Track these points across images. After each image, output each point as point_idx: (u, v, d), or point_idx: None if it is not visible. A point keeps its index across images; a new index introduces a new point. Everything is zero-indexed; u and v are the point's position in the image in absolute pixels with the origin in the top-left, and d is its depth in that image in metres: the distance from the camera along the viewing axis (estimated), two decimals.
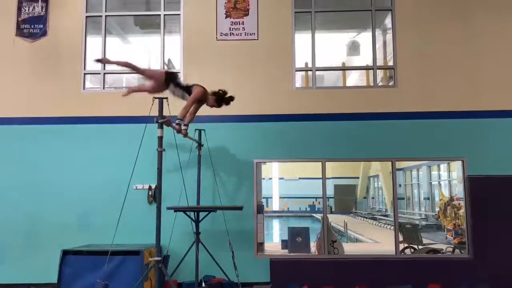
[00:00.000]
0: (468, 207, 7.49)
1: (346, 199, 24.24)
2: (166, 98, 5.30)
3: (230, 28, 8.15)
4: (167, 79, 5.76)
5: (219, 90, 5.83)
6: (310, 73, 8.35)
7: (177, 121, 5.47)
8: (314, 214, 22.65)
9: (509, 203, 7.26)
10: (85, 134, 7.98)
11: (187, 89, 5.75)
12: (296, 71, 8.16)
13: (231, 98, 5.87)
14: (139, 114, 6.71)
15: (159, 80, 5.74)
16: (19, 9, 8.39)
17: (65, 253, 6.74)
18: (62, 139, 7.98)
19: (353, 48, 11.27)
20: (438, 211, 12.27)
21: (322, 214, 8.39)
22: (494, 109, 7.78)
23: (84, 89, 8.25)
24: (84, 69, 8.29)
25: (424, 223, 15.32)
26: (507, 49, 7.90)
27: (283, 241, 8.85)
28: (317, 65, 8.24)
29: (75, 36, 8.31)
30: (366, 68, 9.14)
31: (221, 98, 5.80)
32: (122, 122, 7.90)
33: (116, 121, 7.98)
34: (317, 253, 7.92)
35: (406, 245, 9.24)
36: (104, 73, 8.37)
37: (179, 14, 8.29)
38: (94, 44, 8.49)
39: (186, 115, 5.57)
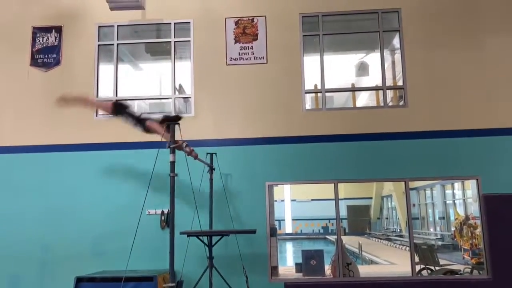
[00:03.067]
0: (484, 226, 7.36)
1: (359, 220, 23.95)
2: (178, 123, 5.34)
3: (239, 52, 8.26)
4: (116, 111, 6.52)
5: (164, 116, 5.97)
6: (320, 94, 8.39)
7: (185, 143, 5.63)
8: (327, 236, 22.40)
9: None
10: (98, 161, 8.06)
11: (140, 121, 6.36)
12: (306, 93, 8.21)
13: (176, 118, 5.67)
14: (151, 139, 6.78)
15: (109, 110, 6.69)
16: (33, 39, 8.62)
17: (79, 280, 6.73)
18: (75, 166, 8.07)
19: (362, 69, 11.31)
20: (454, 230, 12.04)
21: (335, 236, 8.29)
22: (507, 127, 7.72)
23: (96, 116, 8.37)
24: (97, 97, 8.42)
25: (440, 243, 15.04)
26: None
27: (297, 264, 8.74)
28: (327, 86, 8.29)
29: (87, 65, 8.49)
30: (376, 88, 9.15)
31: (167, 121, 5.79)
32: (134, 147, 7.96)
33: (128, 146, 8.05)
34: (332, 276, 7.80)
35: (422, 266, 9.07)
36: (117, 100, 8.48)
37: (189, 41, 8.43)
38: (106, 72, 8.65)
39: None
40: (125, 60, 9.96)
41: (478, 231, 7.68)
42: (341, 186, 8.10)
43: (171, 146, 5.09)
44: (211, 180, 7.51)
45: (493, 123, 7.75)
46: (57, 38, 8.61)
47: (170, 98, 8.47)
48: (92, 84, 8.42)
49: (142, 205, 5.42)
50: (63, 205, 7.92)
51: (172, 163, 5.10)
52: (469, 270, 8.69)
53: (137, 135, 7.91)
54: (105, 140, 8.15)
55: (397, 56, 8.69)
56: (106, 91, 8.59)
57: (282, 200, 24.48)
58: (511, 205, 7.22)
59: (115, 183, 7.93)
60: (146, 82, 10.95)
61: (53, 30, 8.62)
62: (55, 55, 8.55)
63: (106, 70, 8.69)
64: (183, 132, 5.62)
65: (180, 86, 9.07)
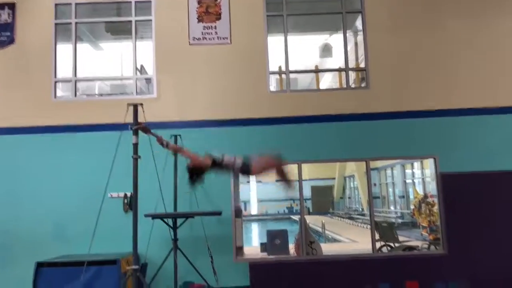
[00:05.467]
0: (441, 203, 7.64)
1: (323, 200, 24.43)
2: (141, 104, 5.23)
3: (202, 32, 8.14)
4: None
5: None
6: (284, 76, 8.40)
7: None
8: (292, 216, 22.74)
9: (481, 199, 7.44)
10: (58, 143, 7.83)
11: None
12: (270, 74, 8.20)
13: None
14: (114, 121, 6.63)
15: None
16: None
17: (40, 265, 6.58)
18: (34, 149, 7.80)
19: (326, 50, 11.38)
20: (413, 208, 12.49)
21: (299, 216, 8.43)
22: (464, 107, 7.99)
23: (55, 97, 8.09)
24: (55, 77, 8.13)
25: (400, 221, 15.57)
26: (475, 50, 8.13)
27: (262, 244, 8.85)
28: (291, 68, 8.31)
29: (44, 44, 8.16)
30: (338, 70, 9.26)
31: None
32: (96, 129, 7.77)
33: (90, 129, 7.85)
34: (295, 254, 7.95)
35: (383, 243, 9.37)
36: (76, 81, 8.22)
37: (151, 20, 8.23)
38: (64, 51, 8.34)
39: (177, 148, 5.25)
40: (84, 39, 9.64)
41: (436, 208, 7.98)
42: (305, 167, 8.20)
43: (133, 128, 4.99)
44: (175, 162, 7.44)
45: (450, 104, 7.99)
46: (11, 15, 8.21)
47: (131, 79, 8.28)
48: (49, 64, 8.11)
49: (105, 188, 5.32)
50: (23, 189, 7.68)
51: (135, 145, 5.01)
52: (426, 246, 9.05)
53: (98, 116, 7.78)
54: (65, 122, 7.91)
55: (360, 38, 8.78)
56: (64, 72, 8.30)
57: (248, 182, 24.60)
58: (466, 183, 7.50)
59: (76, 166, 7.74)
60: (107, 63, 10.64)
61: (6, 7, 8.20)
62: (8, 33, 8.16)
63: (64, 49, 8.38)
64: (146, 114, 5.54)
65: (142, 66, 8.87)
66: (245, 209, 23.70)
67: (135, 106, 5.12)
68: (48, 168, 7.74)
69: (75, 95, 8.24)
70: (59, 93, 8.45)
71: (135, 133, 5.01)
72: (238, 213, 8.00)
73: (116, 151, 5.24)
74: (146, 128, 5.12)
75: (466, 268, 7.17)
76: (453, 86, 8.05)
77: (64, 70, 8.34)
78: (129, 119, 5.31)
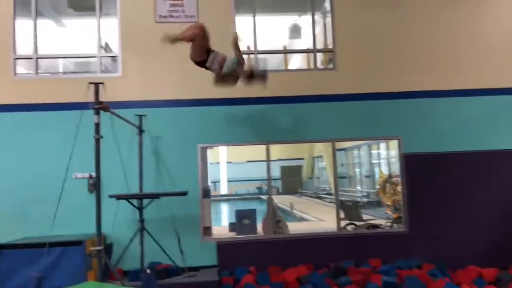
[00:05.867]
0: (404, 183, 7.87)
1: (292, 180, 24.71)
2: (102, 83, 5.12)
3: (169, 10, 7.97)
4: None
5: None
6: (253, 56, 8.35)
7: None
8: (261, 196, 22.93)
9: (442, 179, 7.71)
10: (19, 122, 7.59)
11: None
12: None
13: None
14: (77, 100, 6.47)
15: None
16: None
17: (1, 247, 6.44)
18: None
19: (295, 31, 11.37)
20: (378, 188, 12.80)
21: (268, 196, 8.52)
22: (428, 89, 8.16)
23: (15, 75, 7.81)
24: (15, 54, 7.83)
25: (365, 200, 15.96)
26: (441, 32, 8.27)
27: (231, 224, 8.94)
28: (260, 48, 8.26)
29: (2, 19, 7.81)
30: (306, 51, 9.27)
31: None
32: (58, 109, 7.56)
33: (52, 107, 7.63)
34: (263, 233, 8.06)
35: (347, 222, 9.61)
36: (37, 58, 7.94)
37: None
38: (24, 27, 8.01)
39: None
40: (46, 15, 9.28)
41: (400, 188, 8.21)
42: (275, 148, 8.27)
43: (94, 107, 4.88)
44: (140, 142, 7.35)
45: (415, 86, 8.15)
46: None
47: (96, 57, 8.06)
48: (8, 40, 7.79)
49: (66, 169, 5.22)
50: None
51: (97, 125, 4.91)
52: (389, 224, 9.33)
53: (61, 95, 7.57)
54: (26, 100, 7.65)
55: (329, 20, 8.79)
56: (24, 49, 8.00)
57: (218, 163, 24.60)
58: (428, 164, 7.75)
59: (39, 146, 7.54)
60: (71, 40, 10.30)
61: None
62: None
63: (24, 25, 8.05)
64: (110, 93, 5.42)
65: (107, 44, 8.64)
66: (215, 190, 23.73)
67: (96, 85, 5.00)
68: (8, 147, 7.51)
69: (37, 73, 7.97)
70: (20, 70, 8.16)
71: (97, 112, 4.91)
72: (206, 193, 8.02)
73: (77, 131, 5.13)
74: (108, 107, 5.02)
75: (426, 245, 7.46)
76: (418, 69, 8.19)
77: (24, 47, 8.03)
78: (91, 98, 5.18)
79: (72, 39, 10.13)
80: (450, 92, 8.18)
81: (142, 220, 6.67)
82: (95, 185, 5.03)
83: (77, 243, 6.50)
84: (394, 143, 8.69)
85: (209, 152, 9.01)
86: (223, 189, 25.56)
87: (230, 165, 25.59)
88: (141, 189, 7.28)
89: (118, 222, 6.74)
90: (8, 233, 7.01)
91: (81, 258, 6.35)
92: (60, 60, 10.39)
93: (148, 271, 5.19)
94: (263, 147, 8.10)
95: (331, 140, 8.13)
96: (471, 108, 8.17)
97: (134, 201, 6.66)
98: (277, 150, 18.11)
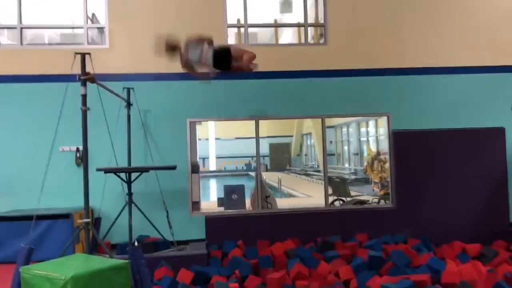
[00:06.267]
0: (392, 160, 7.92)
1: (281, 157, 24.81)
2: (89, 53, 4.99)
3: None
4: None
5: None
6: (242, 30, 8.23)
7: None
8: (250, 173, 23.01)
9: (430, 156, 7.76)
10: (4, 94, 7.44)
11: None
12: (228, 27, 8.01)
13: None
14: (63, 72, 6.31)
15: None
16: None
17: None
18: None
19: (286, 5, 11.21)
20: (366, 165, 12.92)
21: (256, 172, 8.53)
22: (419, 66, 8.16)
23: None
24: None
25: (353, 177, 16.09)
26: (433, 9, 8.22)
27: (219, 199, 8.96)
28: (250, 21, 8.13)
29: None
30: (297, 25, 9.16)
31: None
32: (43, 80, 7.42)
33: (38, 79, 7.48)
34: (251, 209, 8.10)
35: (335, 197, 9.70)
36: (22, 28, 7.73)
37: None
38: None
39: None
40: None
41: (387, 165, 8.27)
42: (264, 124, 8.23)
43: (81, 78, 4.77)
44: (128, 116, 7.26)
45: (405, 63, 8.14)
46: None
47: (82, 27, 7.87)
48: None
49: (52, 142, 5.13)
50: None
51: (84, 96, 4.81)
52: (376, 201, 9.44)
53: (46, 67, 7.41)
54: (10, 71, 7.48)
55: None
56: (8, 19, 7.77)
57: (207, 139, 24.53)
58: (417, 140, 7.79)
59: (24, 118, 7.42)
60: (56, 10, 10.03)
61: None
62: None
63: None
64: (97, 65, 5.29)
65: (94, 15, 8.43)
66: (204, 166, 23.73)
67: (83, 55, 4.88)
68: None
69: (21, 43, 7.77)
70: (4, 40, 7.95)
71: (83, 83, 4.80)
72: (195, 168, 8.00)
73: (63, 103, 5.02)
74: (94, 78, 4.91)
75: (412, 221, 7.56)
76: (408, 46, 8.17)
77: (7, 17, 7.80)
78: (77, 69, 5.06)
79: (58, 10, 9.87)
80: (441, 69, 8.20)
81: (130, 194, 6.64)
82: (82, 158, 4.96)
83: (65, 216, 6.49)
84: (383, 121, 8.71)
85: (197, 128, 8.95)
86: (212, 165, 25.58)
87: (218, 141, 25.55)
88: (129, 163, 7.23)
89: (106, 196, 6.69)
90: None
91: (69, 231, 6.34)
92: (46, 32, 10.15)
93: (136, 244, 5.20)
94: (252, 124, 8.06)
95: (321, 116, 8.11)
96: (460, 86, 8.21)
97: (123, 175, 6.61)
98: (265, 127, 18.07)
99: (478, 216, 7.65)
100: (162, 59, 6.57)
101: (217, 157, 25.82)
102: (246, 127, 8.73)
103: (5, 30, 7.86)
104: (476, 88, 8.23)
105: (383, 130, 13.57)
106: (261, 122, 8.01)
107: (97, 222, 6.43)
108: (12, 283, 3.86)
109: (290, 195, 13.63)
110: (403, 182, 7.78)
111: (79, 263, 3.70)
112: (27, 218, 6.03)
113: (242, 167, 25.89)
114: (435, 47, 8.17)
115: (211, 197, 15.27)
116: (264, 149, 22.80)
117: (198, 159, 8.87)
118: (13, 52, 7.60)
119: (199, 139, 9.16)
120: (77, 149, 7.39)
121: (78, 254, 4.75)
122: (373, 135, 16.53)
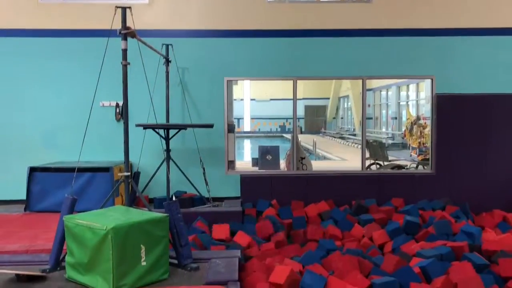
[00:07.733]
0: (434, 124, 7.66)
1: (316, 119, 24.57)
2: (130, 7, 4.94)
3: None
4: None
5: None
6: None
7: None
8: (284, 135, 22.97)
9: (473, 121, 7.45)
10: (44, 48, 7.55)
11: None
12: None
13: None
14: (102, 27, 6.32)
15: None
16: None
17: (33, 170, 6.66)
18: (18, 52, 7.51)
19: None
20: (405, 130, 12.60)
21: (292, 134, 8.46)
22: (465, 27, 7.72)
23: None
24: None
25: (390, 142, 15.80)
26: None
27: (253, 159, 8.98)
28: None
29: None
30: None
31: None
32: (85, 35, 7.46)
33: (79, 34, 7.53)
34: (286, 169, 8.09)
35: (372, 161, 9.54)
36: None
37: None
38: None
39: None
40: None
41: (427, 130, 8.01)
42: (300, 86, 8.07)
43: (122, 32, 4.75)
44: (167, 72, 7.26)
45: (450, 23, 7.71)
46: None
47: None
48: None
49: (93, 96, 5.19)
50: (11, 96, 7.53)
51: (124, 51, 4.80)
52: (414, 165, 9.24)
53: (86, 21, 7.45)
54: (51, 26, 7.56)
55: None
56: None
57: (242, 100, 24.51)
58: (459, 105, 7.48)
59: (65, 72, 7.54)
60: None
61: None
62: None
63: None
64: (136, 21, 5.24)
65: None
66: (238, 126, 23.82)
67: (124, 9, 4.83)
68: (34, 73, 7.53)
69: None
70: None
71: (124, 38, 4.77)
72: (231, 128, 8.01)
73: (104, 58, 5.02)
74: (135, 33, 4.87)
75: (451, 188, 7.37)
76: (454, 5, 7.73)
77: None
78: (117, 25, 5.03)
79: None
80: (488, 30, 7.74)
81: (168, 150, 6.73)
82: (122, 113, 5.01)
83: (105, 169, 6.65)
84: (424, 85, 8.38)
85: (233, 88, 8.89)
86: (246, 126, 25.65)
87: (253, 102, 25.48)
88: (168, 119, 7.29)
89: (144, 151, 6.80)
90: (39, 158, 7.22)
91: (109, 184, 6.52)
92: None
93: (173, 198, 5.28)
94: (288, 85, 7.91)
95: (361, 77, 7.86)
96: (509, 48, 7.73)
97: (161, 131, 6.69)
98: (302, 89, 17.85)
99: None
100: (200, 15, 6.52)
101: (252, 118, 25.84)
102: (281, 88, 8.60)
103: None
104: None
105: (424, 94, 13.12)
106: (300, 80, 7.87)
107: (136, 176, 6.57)
108: (56, 230, 4.02)
109: (325, 158, 13.54)
110: (444, 147, 7.54)
111: (119, 215, 3.79)
112: (70, 170, 6.23)
113: (276, 129, 25.85)
114: (484, 5, 7.72)
115: (244, 157, 15.38)
116: (300, 111, 22.59)
117: (233, 119, 8.88)
118: (54, 6, 7.64)
119: (234, 99, 9.12)
120: (117, 104, 7.49)
121: (118, 206, 4.88)
122: (413, 99, 16.03)
